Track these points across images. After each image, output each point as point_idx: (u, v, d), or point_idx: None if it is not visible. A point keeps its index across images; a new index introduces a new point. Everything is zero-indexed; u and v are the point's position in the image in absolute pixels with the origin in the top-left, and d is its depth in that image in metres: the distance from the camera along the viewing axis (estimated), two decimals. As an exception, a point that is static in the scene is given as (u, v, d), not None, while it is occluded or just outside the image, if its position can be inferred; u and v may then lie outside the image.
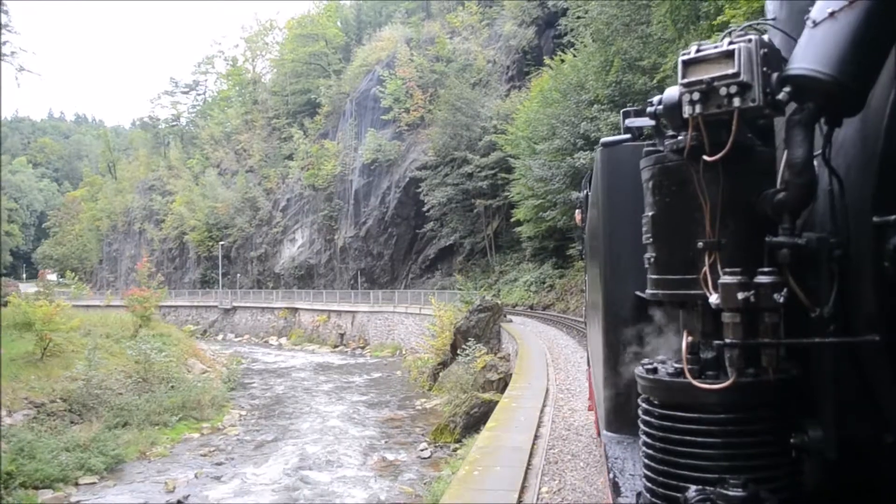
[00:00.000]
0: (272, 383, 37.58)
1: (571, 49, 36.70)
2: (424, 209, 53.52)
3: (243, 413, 29.30)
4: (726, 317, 2.16)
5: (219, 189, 74.36)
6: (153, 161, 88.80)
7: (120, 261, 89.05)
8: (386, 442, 24.10)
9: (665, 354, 2.62)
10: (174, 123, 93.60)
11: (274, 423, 27.99)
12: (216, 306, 66.91)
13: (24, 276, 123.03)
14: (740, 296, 2.11)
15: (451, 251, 55.35)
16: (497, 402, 16.87)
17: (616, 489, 3.29)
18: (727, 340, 2.16)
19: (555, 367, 16.98)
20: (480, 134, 48.69)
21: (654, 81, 28.87)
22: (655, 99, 2.49)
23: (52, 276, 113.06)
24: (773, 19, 2.63)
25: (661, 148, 2.53)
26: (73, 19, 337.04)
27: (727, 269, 2.18)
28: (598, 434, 7.43)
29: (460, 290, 35.18)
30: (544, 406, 11.72)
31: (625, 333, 3.75)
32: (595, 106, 31.13)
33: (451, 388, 28.54)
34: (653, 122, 2.62)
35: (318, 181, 64.91)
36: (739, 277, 2.13)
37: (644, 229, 2.62)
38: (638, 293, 3.40)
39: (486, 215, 51.18)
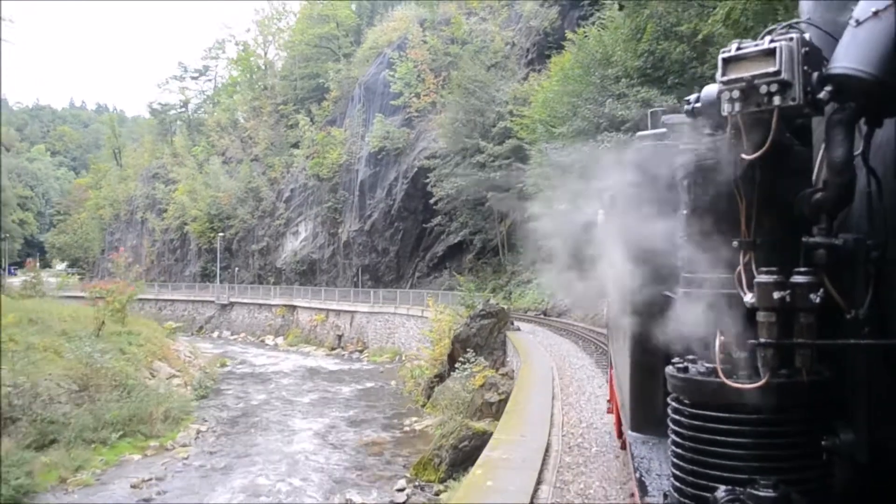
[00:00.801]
0: (251, 391, 33.50)
1: (597, 23, 32.22)
2: (433, 202, 49.14)
3: (202, 429, 25.19)
4: (761, 316, 2.17)
5: (221, 178, 70.56)
6: (158, 148, 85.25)
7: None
8: (359, 475, 19.82)
9: (695, 354, 2.57)
10: (182, 110, 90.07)
11: (235, 442, 23.86)
12: (213, 301, 63.20)
13: (38, 264, 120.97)
14: (776, 295, 2.13)
15: (461, 249, 50.97)
16: (492, 433, 12.62)
17: (643, 489, 3.34)
18: (761, 340, 2.17)
19: (563, 401, 12.56)
20: (495, 120, 44.20)
21: (693, 49, 24.38)
22: (692, 97, 2.53)
23: (61, 266, 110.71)
24: (808, 19, 2.51)
25: (697, 146, 2.54)
26: (98, 7, 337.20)
27: (763, 269, 2.19)
28: (619, 436, 7.74)
29: (461, 290, 30.66)
30: (539, 484, 7.34)
31: (652, 334, 3.54)
32: (623, 81, 26.59)
33: (446, 407, 24.47)
34: (689, 120, 2.60)
35: (322, 171, 60.79)
36: (776, 277, 2.15)
37: (678, 228, 2.68)
38: (667, 293, 3.27)
39: (498, 210, 46.69)
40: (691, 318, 2.53)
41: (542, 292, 38.46)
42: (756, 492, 2.15)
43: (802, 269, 2.14)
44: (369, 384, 35.28)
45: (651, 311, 3.65)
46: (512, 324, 27.73)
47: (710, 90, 2.32)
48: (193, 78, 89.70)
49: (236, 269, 68.68)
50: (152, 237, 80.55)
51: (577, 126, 28.73)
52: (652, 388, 3.87)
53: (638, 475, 3.49)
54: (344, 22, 70.25)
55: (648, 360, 3.94)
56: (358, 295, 49.64)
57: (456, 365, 25.67)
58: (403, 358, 40.54)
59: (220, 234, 66.80)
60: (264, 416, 27.76)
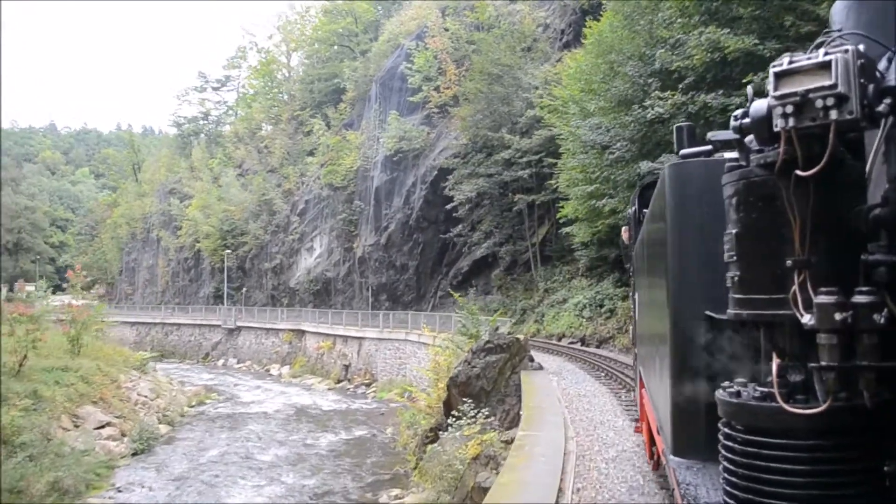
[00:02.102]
0: (211, 441, 26.80)
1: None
2: (452, 208, 42.11)
3: (102, 507, 18.49)
4: (822, 338, 2.08)
5: (233, 190, 64.99)
6: (175, 162, 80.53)
7: (137, 271, 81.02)
8: None
9: (744, 377, 2.52)
10: (203, 122, 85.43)
11: (134, 530, 17.09)
12: (220, 326, 57.24)
13: (47, 285, 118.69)
14: (838, 317, 2.04)
15: (488, 264, 43.61)
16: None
17: None
18: (823, 363, 2.08)
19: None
20: (522, 109, 37.05)
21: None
22: (739, 112, 2.43)
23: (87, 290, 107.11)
24: (839, 29, 2.41)
25: (744, 162, 2.48)
26: (144, 30, 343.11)
27: (823, 289, 2.10)
28: (651, 457, 8.05)
29: (460, 312, 23.23)
30: None
31: (696, 354, 3.68)
32: (679, 22, 19.14)
33: (436, 479, 17.39)
34: (736, 136, 2.49)
35: (336, 179, 54.43)
36: (836, 297, 2.06)
37: (726, 247, 2.53)
38: (709, 313, 3.38)
39: (529, 217, 39.35)
40: (743, 340, 2.55)
41: (579, 315, 30.86)
42: None
43: (864, 289, 2.05)
44: (360, 432, 28.21)
45: (694, 332, 3.67)
46: (531, 360, 20.30)
47: (759, 105, 2.24)
48: (215, 88, 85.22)
49: (244, 289, 62.68)
50: (167, 256, 75.55)
51: (617, 91, 21.34)
52: (694, 410, 3.76)
53: (685, 503, 3.33)
54: (362, 17, 64.16)
55: (691, 381, 3.80)
56: (367, 318, 42.70)
57: (449, 420, 18.50)
58: (414, 394, 33.42)
59: (228, 251, 61.10)
60: (202, 482, 20.95)
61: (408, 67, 49.54)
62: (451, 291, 31.67)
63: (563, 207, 30.20)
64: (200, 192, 70.47)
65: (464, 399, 18.86)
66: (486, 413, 17.97)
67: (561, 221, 32.87)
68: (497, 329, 19.83)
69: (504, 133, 37.36)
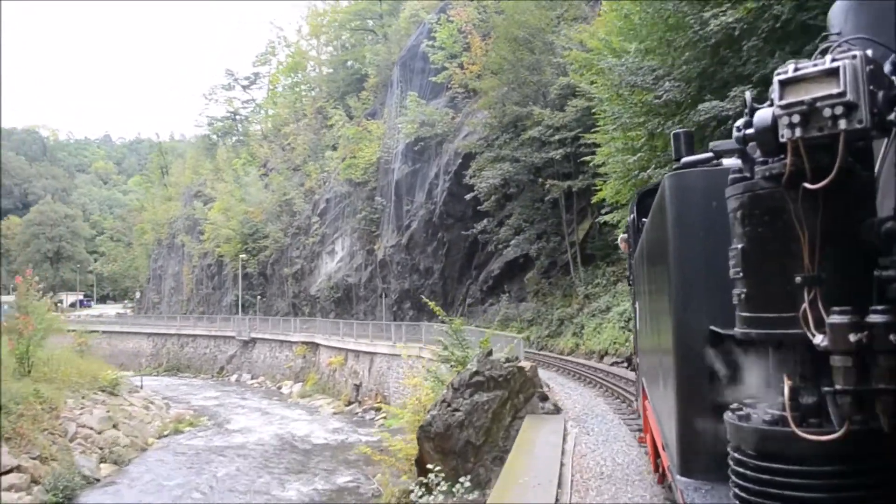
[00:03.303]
0: (154, 488, 21.38)
1: None
2: (480, 203, 36.01)
3: None
4: (836, 360, 1.95)
5: (251, 190, 60.37)
6: (201, 164, 76.72)
7: (164, 279, 77.42)
8: None
9: (753, 397, 2.41)
10: (231, 121, 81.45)
11: None
12: (234, 337, 52.45)
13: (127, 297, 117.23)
14: (852, 337, 1.91)
15: (522, 266, 37.27)
16: None
17: None
18: (838, 387, 1.95)
19: None
20: (554, 77, 30.69)
21: None
22: (741, 122, 2.31)
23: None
24: (839, 33, 2.38)
25: (748, 174, 2.34)
26: (196, 41, 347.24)
27: (836, 308, 1.97)
28: (656, 469, 7.87)
29: (442, 327, 17.12)
30: None
31: (701, 371, 3.48)
32: None
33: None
34: (738, 147, 2.36)
35: (356, 174, 48.96)
36: (850, 317, 1.93)
37: (732, 263, 2.39)
38: (714, 328, 3.21)
39: (568, 210, 32.86)
40: (747, 358, 2.38)
41: (624, 327, 24.32)
42: None
43: (879, 308, 1.91)
44: (344, 478, 22.36)
45: (699, 349, 3.50)
46: (543, 400, 13.98)
47: (764, 115, 2.10)
48: (244, 87, 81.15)
49: (260, 297, 57.81)
50: (191, 263, 71.53)
51: (661, 6, 14.87)
52: (701, 430, 3.51)
53: None
54: (387, -3, 58.73)
55: (697, 400, 3.59)
56: (380, 330, 36.89)
57: (412, 496, 12.48)
58: (386, 441, 27.40)
59: (245, 255, 56.38)
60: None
61: (429, 45, 43.67)
62: (426, 299, 25.22)
63: (603, 186, 23.75)
64: (223, 193, 66.24)
65: (443, 454, 12.83)
66: (468, 485, 11.87)
67: (601, 210, 26.43)
68: (489, 354, 13.58)
69: (532, 107, 31.07)
